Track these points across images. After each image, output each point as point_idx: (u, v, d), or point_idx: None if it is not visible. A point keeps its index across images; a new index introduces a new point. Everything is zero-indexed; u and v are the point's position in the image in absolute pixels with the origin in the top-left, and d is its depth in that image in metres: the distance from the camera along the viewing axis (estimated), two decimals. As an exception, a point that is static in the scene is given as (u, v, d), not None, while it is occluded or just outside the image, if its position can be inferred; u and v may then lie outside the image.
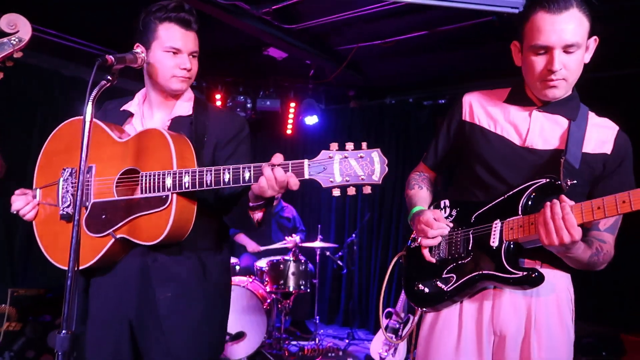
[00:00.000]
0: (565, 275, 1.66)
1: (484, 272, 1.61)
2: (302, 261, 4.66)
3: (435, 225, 1.67)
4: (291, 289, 4.51)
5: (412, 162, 2.22)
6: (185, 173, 1.56)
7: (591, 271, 1.61)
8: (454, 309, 1.70)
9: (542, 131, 1.67)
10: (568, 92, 1.66)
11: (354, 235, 5.27)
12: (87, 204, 1.68)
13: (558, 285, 1.63)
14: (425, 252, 1.74)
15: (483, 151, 1.72)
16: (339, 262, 5.42)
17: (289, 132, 6.37)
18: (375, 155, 1.40)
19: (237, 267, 4.89)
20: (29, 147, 4.44)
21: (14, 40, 1.64)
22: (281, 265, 4.56)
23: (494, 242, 1.61)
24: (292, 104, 6.17)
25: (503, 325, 1.61)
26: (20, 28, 1.66)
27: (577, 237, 1.41)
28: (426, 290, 1.74)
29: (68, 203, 1.73)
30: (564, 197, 1.45)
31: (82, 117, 1.77)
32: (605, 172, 1.63)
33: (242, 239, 5.35)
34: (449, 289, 1.67)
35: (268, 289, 4.53)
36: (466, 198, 1.76)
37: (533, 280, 1.52)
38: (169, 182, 1.57)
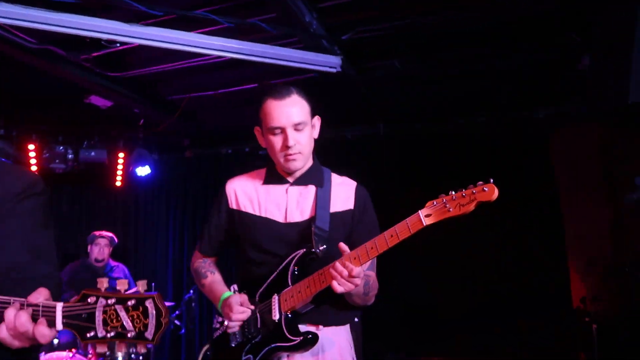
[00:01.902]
0: (343, 328, 1.90)
1: (272, 345, 1.79)
2: (133, 326, 4.23)
3: (235, 310, 1.82)
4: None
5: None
6: None
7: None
8: None
9: (298, 204, 1.91)
10: (308, 162, 1.94)
11: (191, 291, 5.00)
12: None
13: (338, 339, 1.87)
14: (229, 336, 1.88)
15: (253, 234, 1.91)
16: (176, 322, 5.07)
17: (118, 184, 5.93)
18: (150, 304, 1.09)
19: (56, 341, 4.26)
20: None
21: None
22: (108, 334, 4.09)
23: (275, 315, 1.80)
24: (121, 154, 5.79)
25: None
26: None
27: (361, 276, 1.67)
28: None
29: None
30: (337, 264, 1.66)
31: None
32: (354, 223, 1.92)
33: None
34: None
35: (92, 362, 4.03)
36: (250, 277, 1.92)
37: (310, 341, 1.75)
38: None
